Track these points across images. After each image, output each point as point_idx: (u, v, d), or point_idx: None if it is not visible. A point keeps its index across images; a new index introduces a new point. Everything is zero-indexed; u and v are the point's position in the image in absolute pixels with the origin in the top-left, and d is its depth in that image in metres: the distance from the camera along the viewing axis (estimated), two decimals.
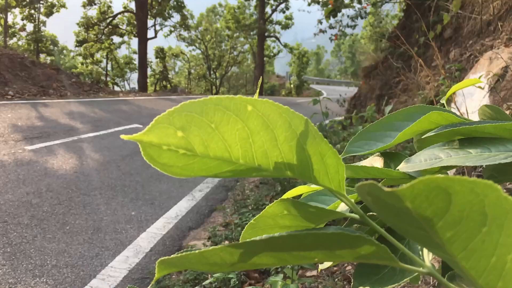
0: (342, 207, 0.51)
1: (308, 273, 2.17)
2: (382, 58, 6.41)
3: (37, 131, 6.58)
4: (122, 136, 0.35)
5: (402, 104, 3.87)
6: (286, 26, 28.98)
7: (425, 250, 0.42)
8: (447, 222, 0.27)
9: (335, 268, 2.11)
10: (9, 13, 24.04)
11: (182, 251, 0.38)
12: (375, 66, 6.50)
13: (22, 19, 25.90)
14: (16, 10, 25.28)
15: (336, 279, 1.95)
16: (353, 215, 0.41)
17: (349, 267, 2.07)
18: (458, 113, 2.26)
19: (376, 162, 0.61)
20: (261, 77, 0.70)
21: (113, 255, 3.02)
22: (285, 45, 30.66)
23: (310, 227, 0.45)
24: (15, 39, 26.96)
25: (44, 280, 2.58)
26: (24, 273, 2.62)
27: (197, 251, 0.35)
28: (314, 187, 0.58)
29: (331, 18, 7.77)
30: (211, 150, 0.37)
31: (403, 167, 0.51)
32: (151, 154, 0.37)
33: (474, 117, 2.31)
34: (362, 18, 9.60)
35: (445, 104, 0.71)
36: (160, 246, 3.29)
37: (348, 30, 10.12)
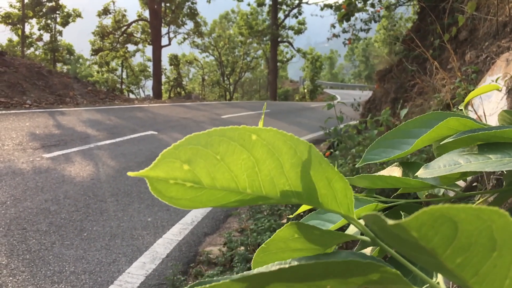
0: (352, 229, 0.51)
1: None
2: (397, 61, 6.36)
3: (54, 139, 6.68)
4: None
5: (417, 108, 3.83)
6: (299, 31, 28.97)
7: (439, 275, 0.42)
8: (455, 249, 0.27)
9: None
10: (26, 24, 24.53)
11: (192, 284, 0.39)
12: (390, 70, 6.45)
13: (39, 29, 26.38)
14: (33, 21, 25.77)
15: None
16: (364, 237, 0.41)
17: None
18: (475, 116, 2.22)
19: (394, 171, 0.61)
20: (265, 104, 0.70)
21: (130, 261, 3.04)
22: (298, 50, 30.63)
23: (321, 250, 0.45)
24: (32, 49, 27.47)
25: (63, 286, 2.61)
26: (43, 280, 2.65)
27: (207, 286, 0.34)
28: None
29: (344, 22, 7.74)
30: (218, 181, 0.37)
31: (421, 173, 0.50)
32: (159, 189, 0.37)
33: (492, 119, 2.27)
34: (375, 21, 9.54)
35: (462, 109, 0.70)
36: (176, 252, 3.30)
37: (362, 34, 10.08)
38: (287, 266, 0.34)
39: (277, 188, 0.38)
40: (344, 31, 9.62)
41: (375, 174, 0.56)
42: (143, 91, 32.62)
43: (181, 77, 31.10)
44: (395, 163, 0.63)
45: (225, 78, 35.27)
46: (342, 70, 58.96)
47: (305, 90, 32.78)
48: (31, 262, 2.85)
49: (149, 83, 30.61)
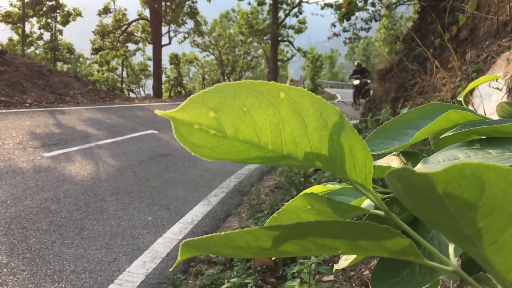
0: (364, 205, 0.51)
1: (325, 278, 2.15)
2: (397, 60, 6.36)
3: (55, 138, 6.68)
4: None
5: (418, 107, 3.84)
6: (299, 30, 28.92)
7: (450, 249, 0.41)
8: (479, 212, 0.26)
9: (352, 273, 2.08)
10: (26, 23, 24.52)
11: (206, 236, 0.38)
12: (390, 69, 6.45)
13: (39, 28, 26.37)
14: (34, 20, 25.77)
15: (354, 284, 1.93)
16: (377, 211, 0.41)
17: (366, 272, 2.05)
18: None
19: (393, 161, 0.60)
20: (291, 71, 0.70)
21: (130, 260, 3.04)
22: (299, 49, 30.59)
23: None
24: (32, 48, 27.46)
25: (63, 285, 2.61)
26: (43, 279, 2.65)
27: (222, 233, 0.34)
28: (330, 186, 0.58)
29: (345, 21, 7.73)
30: (241, 133, 0.37)
31: (420, 168, 0.50)
32: (182, 133, 0.37)
33: (493, 118, 2.26)
34: (376, 20, 9.53)
35: (462, 101, 0.70)
36: (176, 251, 3.29)
37: (362, 33, 10.06)
38: (304, 221, 0.34)
39: (299, 148, 0.38)
40: (345, 30, 9.61)
41: (373, 163, 0.56)
42: (143, 90, 32.62)
43: (181, 76, 31.09)
44: (395, 152, 0.62)
45: (226, 77, 35.24)
46: (342, 69, 58.95)
47: (306, 89, 32.75)
48: (31, 261, 2.85)
49: (149, 82, 30.62)
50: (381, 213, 0.40)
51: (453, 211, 0.26)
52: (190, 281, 2.86)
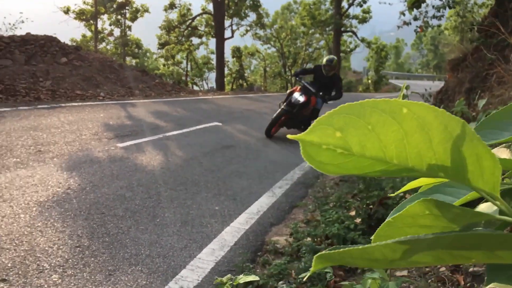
0: (483, 207, 0.50)
1: (398, 273, 2.11)
2: (471, 49, 6.02)
3: (126, 130, 7.02)
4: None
5: (497, 98, 3.61)
6: (363, 20, 28.20)
7: None
8: None
9: (427, 269, 2.02)
10: (98, 20, 25.89)
11: (339, 246, 0.40)
12: (463, 58, 6.12)
13: (110, 25, 27.79)
14: (105, 16, 27.15)
15: (429, 280, 1.88)
16: (504, 218, 0.40)
17: (442, 269, 1.98)
18: None
19: (503, 153, 0.58)
20: (404, 83, 0.69)
21: (200, 247, 3.15)
22: (363, 40, 29.84)
23: (451, 227, 0.45)
24: (104, 44, 28.99)
25: (140, 268, 2.75)
26: (122, 261, 2.82)
27: (360, 247, 0.37)
28: (435, 179, 0.57)
29: (415, 9, 7.41)
30: (367, 150, 0.39)
31: None
32: (310, 153, 0.40)
33: None
34: (450, 7, 9.03)
35: None
36: (244, 241, 3.37)
37: (434, 22, 9.60)
38: (443, 235, 0.34)
39: (424, 161, 0.39)
40: (416, 19, 9.20)
41: None
42: (207, 83, 33.37)
43: (243, 69, 31.44)
44: (504, 144, 0.59)
45: (287, 70, 35.16)
46: (408, 59, 56.75)
47: (369, 81, 31.94)
48: (110, 245, 3.03)
49: (212, 76, 31.28)
50: (509, 219, 0.40)
51: None
52: (258, 270, 2.91)
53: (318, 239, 3.14)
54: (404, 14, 8.79)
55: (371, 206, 3.11)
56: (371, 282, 1.73)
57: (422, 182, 0.57)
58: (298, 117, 7.54)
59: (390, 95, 21.63)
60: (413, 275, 2.05)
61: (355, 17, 28.32)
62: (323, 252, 0.39)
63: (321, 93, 7.60)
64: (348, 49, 33.04)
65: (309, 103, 7.53)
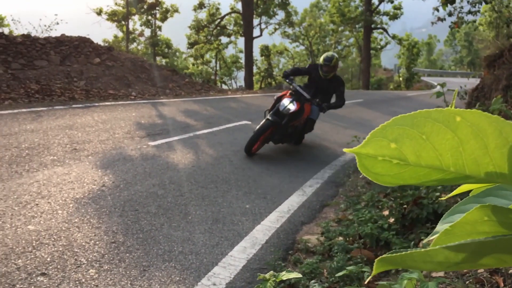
0: None
1: (434, 274, 2.06)
2: (508, 45, 5.83)
3: (158, 128, 7.14)
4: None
5: None
6: (394, 17, 27.66)
7: None
8: None
9: (465, 270, 1.97)
10: (129, 20, 26.41)
11: (398, 250, 0.40)
12: (500, 54, 5.93)
13: (141, 25, 28.27)
14: (136, 17, 27.66)
15: (467, 282, 1.83)
16: None
17: (481, 270, 1.93)
18: None
19: None
20: (444, 83, 0.68)
21: (231, 245, 3.17)
22: (394, 37, 29.29)
23: (510, 233, 0.44)
24: (135, 44, 29.54)
25: (173, 265, 2.80)
26: (155, 258, 2.87)
27: (422, 250, 0.37)
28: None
29: (448, 5, 7.21)
30: (423, 159, 0.40)
31: None
32: (366, 165, 0.41)
33: None
34: (486, 2, 8.74)
35: None
36: (275, 239, 3.37)
37: (469, 17, 9.30)
38: (508, 237, 0.34)
39: (481, 168, 0.39)
40: (450, 14, 8.94)
41: None
42: (235, 82, 33.54)
43: (271, 67, 31.42)
44: None
45: None
46: (441, 56, 55.42)
47: (401, 79, 31.36)
48: (144, 241, 3.09)
49: (240, 74, 31.42)
50: None
51: None
52: (289, 268, 2.90)
53: (351, 238, 3.11)
54: (438, 10, 8.56)
55: (405, 206, 3.06)
56: (407, 282, 1.70)
57: (473, 185, 0.56)
58: (287, 130, 5.95)
59: (422, 93, 21.18)
60: (450, 276, 2.01)
61: (385, 13, 27.81)
62: (384, 255, 0.40)
63: (317, 100, 6.07)
64: (379, 46, 32.49)
65: (302, 112, 5.94)
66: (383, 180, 0.41)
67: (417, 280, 1.78)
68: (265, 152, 6.19)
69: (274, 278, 1.40)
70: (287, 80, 6.22)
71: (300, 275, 1.46)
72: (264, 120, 5.84)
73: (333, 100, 6.56)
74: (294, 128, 6.11)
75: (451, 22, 8.97)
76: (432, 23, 9.26)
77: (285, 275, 1.41)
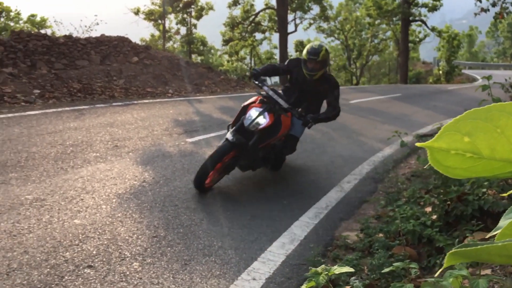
0: None
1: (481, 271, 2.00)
2: None
3: (195, 125, 7.24)
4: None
5: None
6: (433, 8, 26.78)
7: None
8: None
9: None
10: (166, 19, 26.84)
11: (469, 243, 0.39)
12: None
13: (176, 24, 28.68)
14: (172, 16, 28.08)
15: None
16: None
17: None
18: None
19: None
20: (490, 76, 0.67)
21: (270, 240, 3.18)
22: (433, 29, 28.40)
23: None
24: (171, 42, 30.02)
25: (213, 259, 2.84)
26: (196, 252, 2.92)
27: (499, 244, 0.37)
28: None
29: None
30: (497, 153, 0.40)
31: None
32: (438, 158, 0.41)
33: None
34: None
35: None
36: (313, 235, 3.36)
37: None
38: None
39: None
40: (494, 5, 8.60)
41: None
42: (270, 79, 33.44)
43: None
44: None
45: (352, 62, 34.44)
46: (483, 48, 53.37)
47: (440, 72, 30.44)
48: (184, 236, 3.15)
49: None
50: None
51: None
52: (329, 265, 2.89)
53: (391, 235, 3.06)
54: (480, 1, 8.24)
55: (449, 203, 2.97)
56: (453, 280, 1.66)
57: None
58: (258, 154, 4.26)
59: (464, 87, 20.50)
60: (497, 274, 1.94)
61: (424, 5, 26.98)
62: (457, 249, 0.39)
63: (299, 110, 4.35)
64: (417, 39, 31.56)
65: (278, 127, 4.29)
66: (455, 173, 0.42)
67: (463, 277, 1.74)
68: (301, 148, 6.17)
69: (326, 272, 1.39)
70: (257, 82, 4.47)
71: (352, 269, 1.45)
72: (222, 141, 4.23)
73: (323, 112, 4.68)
74: (270, 149, 4.47)
75: (495, 13, 8.61)
76: (475, 14, 8.92)
77: (337, 269, 1.40)
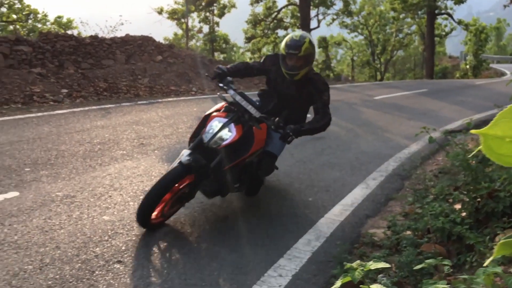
0: None
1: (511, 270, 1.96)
2: None
3: None
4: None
5: None
6: (460, 1, 26.17)
7: None
8: None
9: None
10: (188, 18, 27.05)
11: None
12: None
13: (199, 22, 28.86)
14: (194, 14, 28.27)
15: None
16: None
17: None
18: None
19: None
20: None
21: (296, 237, 3.18)
22: (460, 22, 27.76)
23: None
24: (194, 41, 30.24)
25: (240, 255, 2.86)
26: (223, 248, 2.94)
27: None
28: None
29: None
30: None
31: None
32: (491, 146, 0.40)
33: None
34: None
35: None
36: (339, 232, 3.34)
37: None
38: None
39: None
40: None
41: None
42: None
43: (329, 59, 30.94)
44: None
45: (376, 58, 33.98)
46: (511, 41, 51.86)
47: (467, 66, 29.74)
48: (210, 232, 3.17)
49: None
50: None
51: None
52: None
53: (419, 232, 3.01)
54: None
55: (479, 200, 2.91)
56: (485, 277, 1.63)
57: None
58: (224, 177, 3.26)
59: (492, 81, 19.98)
60: None
61: None
62: (508, 239, 0.38)
63: (276, 119, 3.25)
64: (443, 33, 30.90)
65: (250, 142, 3.33)
66: (508, 161, 0.41)
67: (495, 275, 1.70)
68: (325, 145, 6.13)
69: (362, 267, 1.39)
70: (221, 84, 3.54)
71: (388, 265, 1.44)
72: (175, 163, 3.26)
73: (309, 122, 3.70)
74: (242, 169, 3.43)
75: None
76: (505, 6, 8.69)
77: (372, 265, 1.39)
